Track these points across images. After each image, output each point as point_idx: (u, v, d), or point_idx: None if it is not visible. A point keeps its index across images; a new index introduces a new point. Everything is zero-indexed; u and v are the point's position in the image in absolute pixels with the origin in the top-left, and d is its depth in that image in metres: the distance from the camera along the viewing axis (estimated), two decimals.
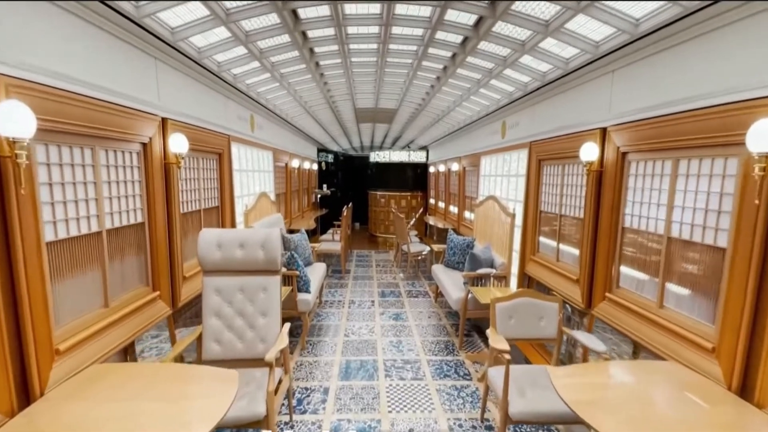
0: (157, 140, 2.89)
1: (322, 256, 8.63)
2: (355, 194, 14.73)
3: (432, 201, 11.49)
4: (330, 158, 12.91)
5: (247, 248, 2.87)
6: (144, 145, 2.80)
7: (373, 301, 6.19)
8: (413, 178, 12.12)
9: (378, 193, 11.86)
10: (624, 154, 2.95)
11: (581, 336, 2.95)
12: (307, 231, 7.66)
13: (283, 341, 2.71)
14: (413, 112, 7.53)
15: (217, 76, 3.82)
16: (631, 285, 2.96)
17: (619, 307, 2.98)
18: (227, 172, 4.31)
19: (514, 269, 4.79)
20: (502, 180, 5.45)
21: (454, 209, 8.71)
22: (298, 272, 4.52)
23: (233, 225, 4.48)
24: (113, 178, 2.53)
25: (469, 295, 4.46)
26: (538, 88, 4.03)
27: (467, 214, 7.57)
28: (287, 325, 2.95)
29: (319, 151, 12.23)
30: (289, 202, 7.81)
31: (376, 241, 11.83)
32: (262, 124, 5.85)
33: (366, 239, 12.38)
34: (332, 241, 8.15)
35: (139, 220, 2.82)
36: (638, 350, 2.88)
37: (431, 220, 9.90)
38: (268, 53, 3.84)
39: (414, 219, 11.88)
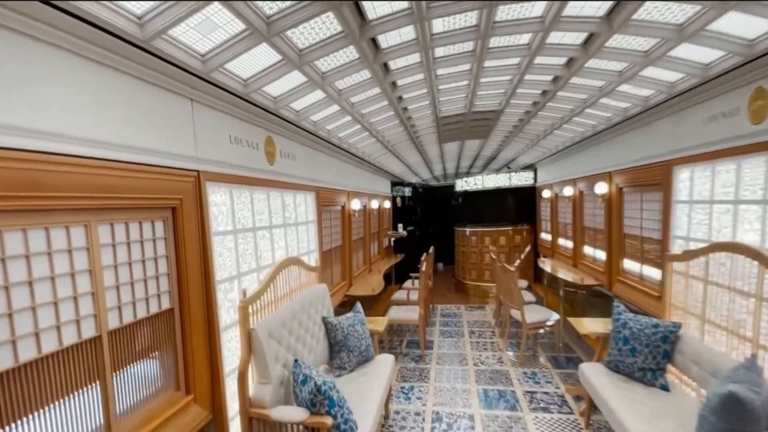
0: None
1: (395, 327, 6.27)
2: (438, 231, 12.37)
3: (545, 236, 8.48)
4: (407, 191, 10.78)
5: None
6: None
7: (471, 417, 3.62)
8: (515, 208, 9.25)
9: (467, 229, 9.23)
10: None
11: None
12: (365, 297, 5.51)
13: None
14: (516, 123, 5.10)
15: (140, 48, 1.86)
16: None
17: None
18: (195, 242, 2.29)
19: None
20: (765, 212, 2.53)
21: (595, 253, 5.70)
22: (330, 420, 2.25)
23: (212, 340, 2.39)
24: None
25: None
26: None
27: (630, 265, 4.57)
28: None
29: (394, 184, 10.20)
30: (347, 258, 5.70)
31: (465, 289, 9.15)
32: (295, 152, 3.89)
33: (452, 286, 9.76)
34: (408, 305, 5.75)
35: None
36: None
37: (547, 265, 6.91)
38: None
39: (518, 261, 8.95)
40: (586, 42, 2.75)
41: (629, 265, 4.59)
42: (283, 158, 3.64)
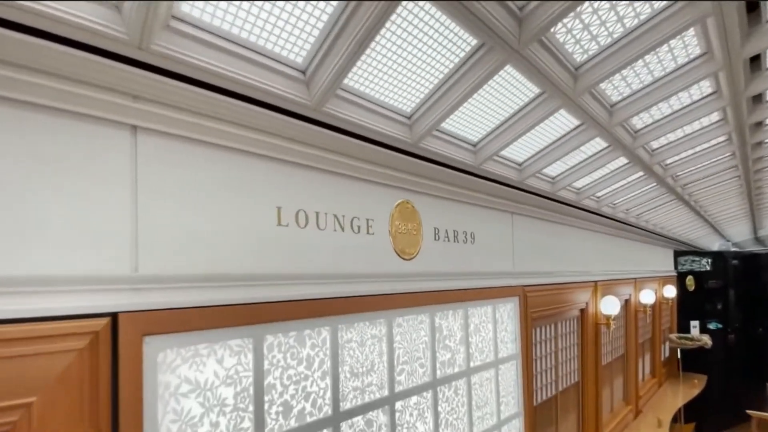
0: None
1: None
2: None
3: None
4: (704, 264, 6.55)
5: None
6: None
7: None
8: None
9: None
10: None
11: None
12: None
13: None
14: None
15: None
16: None
17: None
18: None
19: None
20: None
21: None
22: None
23: None
24: None
25: None
26: None
27: None
28: None
29: (678, 254, 6.43)
30: (590, 402, 3.07)
31: None
32: (471, 226, 2.03)
33: None
34: None
35: None
36: None
37: None
38: None
39: None
40: None
41: None
42: (439, 243, 1.84)
